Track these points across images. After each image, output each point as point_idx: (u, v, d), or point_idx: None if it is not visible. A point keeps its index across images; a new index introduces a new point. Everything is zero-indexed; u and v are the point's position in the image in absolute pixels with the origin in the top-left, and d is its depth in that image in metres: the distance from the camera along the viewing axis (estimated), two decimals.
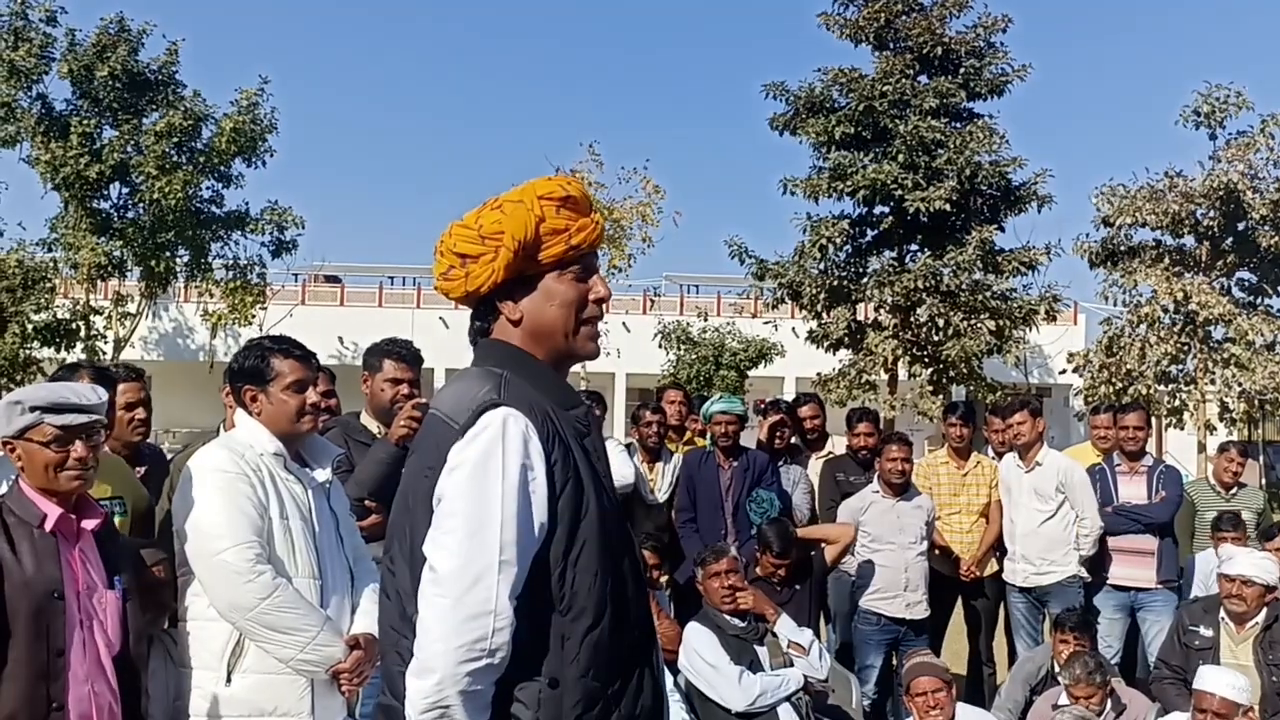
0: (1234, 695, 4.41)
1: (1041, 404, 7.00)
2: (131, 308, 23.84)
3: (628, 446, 6.49)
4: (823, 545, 5.85)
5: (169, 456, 4.62)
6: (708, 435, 6.60)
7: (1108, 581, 6.27)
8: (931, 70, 20.70)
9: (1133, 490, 6.39)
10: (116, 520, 3.59)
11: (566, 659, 1.85)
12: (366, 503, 3.63)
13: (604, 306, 2.07)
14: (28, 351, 21.24)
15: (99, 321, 23.14)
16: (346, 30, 71.68)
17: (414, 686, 1.79)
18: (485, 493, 1.81)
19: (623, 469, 5.95)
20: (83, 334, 22.33)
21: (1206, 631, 5.21)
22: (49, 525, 2.70)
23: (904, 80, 20.12)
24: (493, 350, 2.02)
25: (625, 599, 1.95)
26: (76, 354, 22.55)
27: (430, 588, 1.80)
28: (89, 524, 2.80)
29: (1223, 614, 5.22)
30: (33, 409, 2.72)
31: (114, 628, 2.79)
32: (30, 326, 21.12)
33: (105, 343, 23.15)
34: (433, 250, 2.05)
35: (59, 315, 21.98)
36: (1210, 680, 4.51)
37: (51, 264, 22.07)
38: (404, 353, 4.16)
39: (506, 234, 1.94)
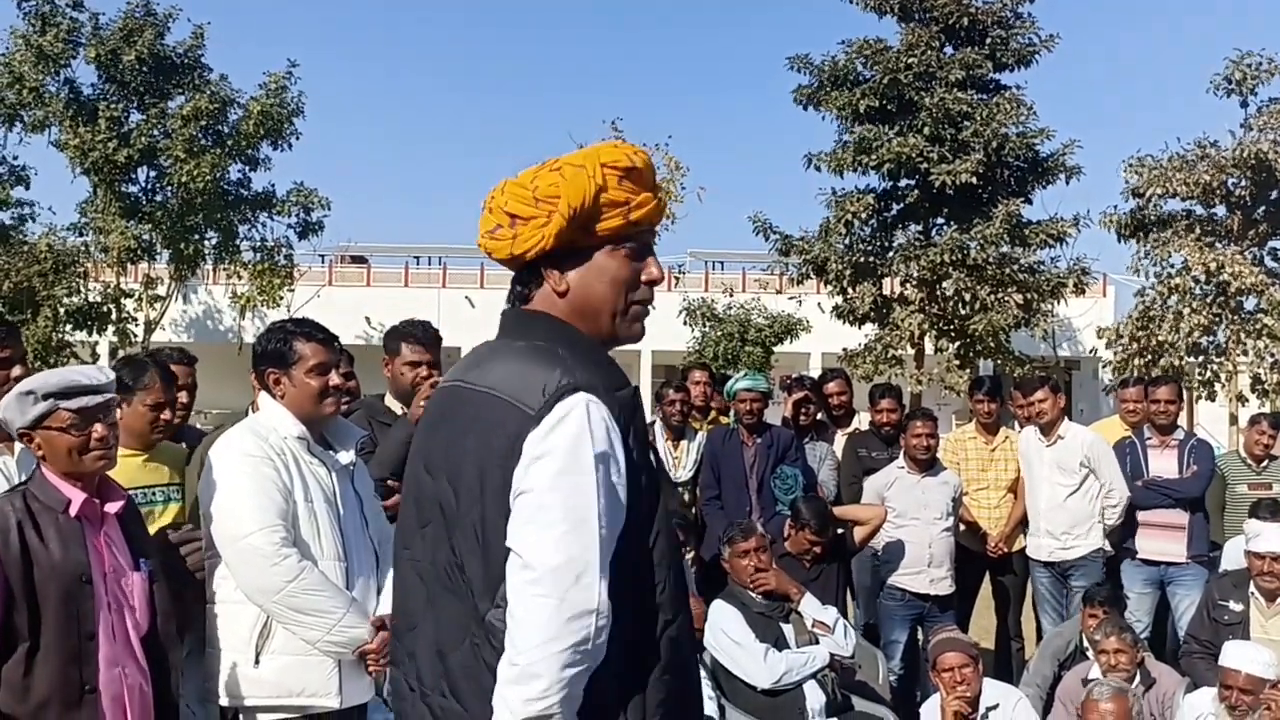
0: (1260, 671, 4.39)
1: (1071, 377, 6.94)
2: (161, 290, 24.02)
3: (651, 425, 6.50)
4: (852, 525, 5.85)
5: (206, 436, 4.68)
6: (731, 412, 6.59)
7: (1138, 556, 6.23)
8: (957, 41, 20.46)
9: (1163, 464, 6.33)
10: (174, 506, 3.65)
11: (649, 657, 1.77)
12: (390, 482, 3.65)
13: (654, 290, 1.94)
14: (60, 335, 21.48)
15: (129, 305, 23.35)
16: (371, 10, 71.66)
17: (516, 693, 1.67)
18: (580, 486, 1.70)
19: None
20: (114, 317, 22.54)
21: (1236, 606, 5.18)
22: (74, 510, 2.72)
23: (929, 52, 19.90)
24: (537, 323, 1.88)
25: (685, 592, 1.89)
26: (108, 337, 22.81)
27: (529, 587, 1.68)
28: (112, 507, 2.82)
29: (1253, 589, 5.18)
30: (46, 396, 2.72)
31: (142, 609, 2.82)
32: (62, 310, 21.35)
33: (136, 326, 23.36)
34: (481, 204, 1.92)
35: (90, 299, 22.20)
36: (1236, 656, 4.49)
37: (82, 248, 22.27)
38: (421, 335, 4.16)
39: (562, 200, 1.81)
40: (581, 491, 1.70)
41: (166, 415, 3.66)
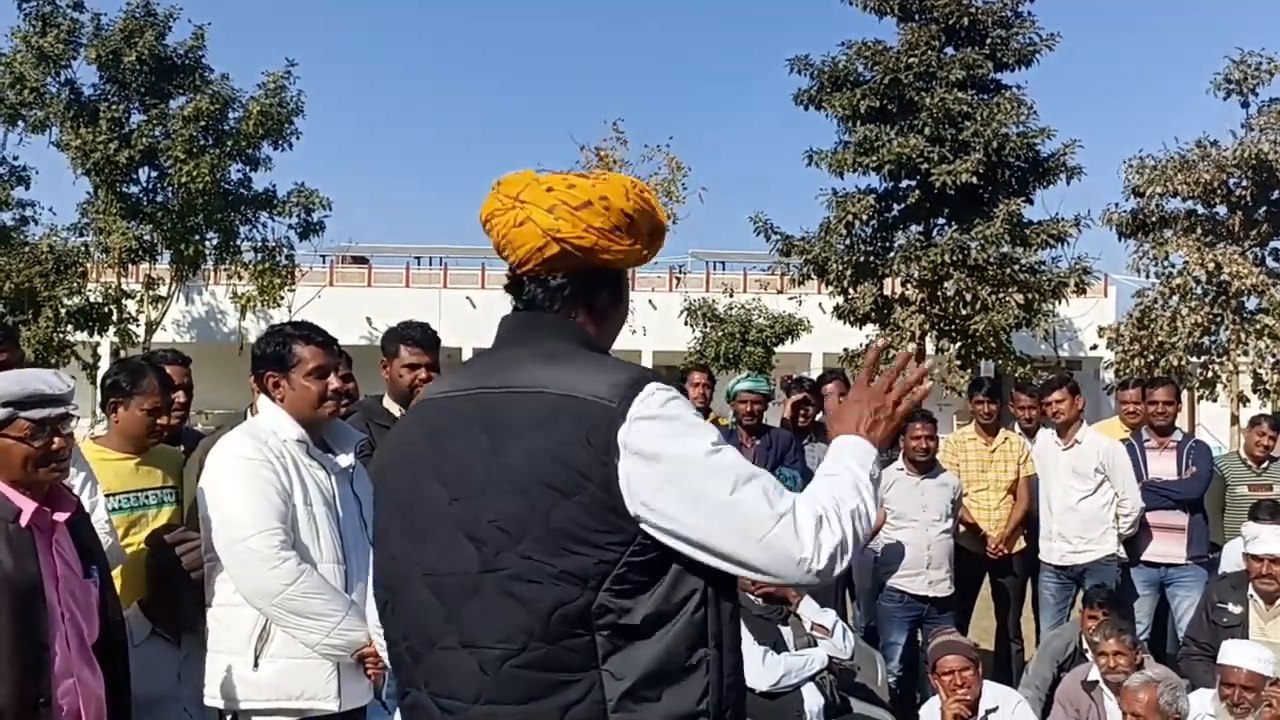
0: (1260, 668, 4.38)
1: (1072, 377, 6.93)
2: (162, 291, 24.06)
3: None
4: None
5: (204, 439, 4.68)
6: (730, 413, 6.59)
7: (1138, 556, 6.23)
8: (958, 41, 20.47)
9: (1162, 466, 6.33)
10: (168, 510, 3.64)
11: (723, 619, 1.76)
12: None
13: None
14: (61, 335, 21.51)
15: (131, 305, 23.37)
16: (371, 10, 71.69)
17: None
18: (706, 430, 1.74)
19: None
20: (115, 318, 22.57)
21: (1235, 608, 5.17)
22: (24, 520, 2.60)
23: (930, 52, 19.91)
24: (568, 328, 1.85)
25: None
26: (109, 338, 22.83)
27: (772, 524, 1.67)
28: (61, 515, 2.70)
29: (1251, 591, 5.18)
30: (5, 404, 2.60)
31: (94, 616, 2.75)
32: (63, 310, 21.38)
33: (137, 326, 23.38)
34: (584, 198, 1.81)
35: (91, 299, 22.22)
36: (1235, 654, 4.48)
37: (83, 248, 22.31)
38: (419, 337, 4.14)
39: (645, 232, 1.88)
40: (710, 433, 1.74)
41: (163, 420, 3.65)
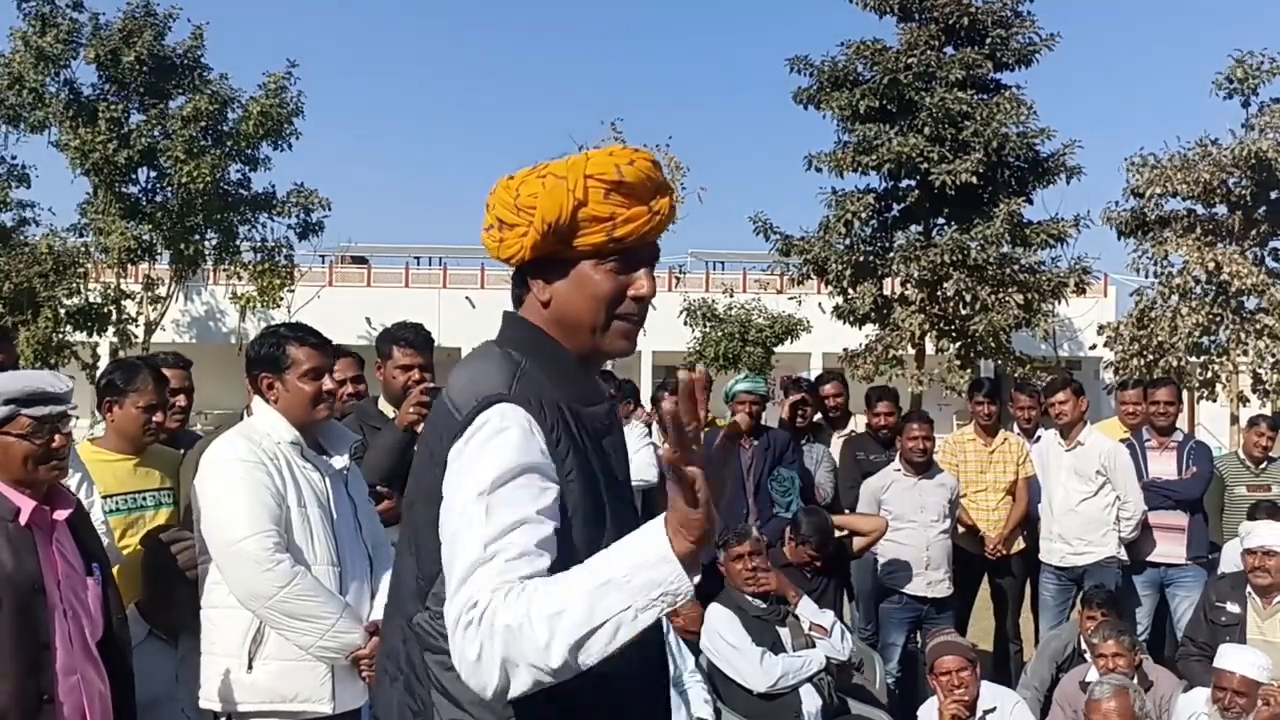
0: (1255, 674, 4.38)
1: (1072, 377, 6.92)
2: (161, 291, 24.05)
3: (649, 428, 6.48)
4: (851, 534, 5.84)
5: (199, 441, 4.67)
6: (729, 415, 6.58)
7: (1139, 559, 6.22)
8: (957, 41, 20.47)
9: (1162, 466, 6.32)
10: (165, 511, 3.63)
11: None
12: (379, 488, 3.64)
13: (646, 305, 1.82)
14: (60, 336, 21.50)
15: (130, 305, 23.36)
16: (371, 10, 71.66)
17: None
18: (474, 499, 1.60)
19: (646, 471, 5.95)
20: (114, 318, 22.56)
21: (1233, 608, 5.17)
22: (24, 519, 2.64)
23: (929, 52, 19.91)
24: (517, 329, 1.84)
25: None
26: (108, 338, 22.82)
27: (454, 588, 1.58)
28: (61, 514, 2.74)
29: (1249, 589, 5.17)
30: (7, 402, 2.64)
31: (96, 615, 2.77)
32: (62, 311, 21.37)
33: (136, 326, 23.37)
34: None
35: (90, 299, 22.22)
36: (1231, 659, 4.48)
37: (82, 249, 22.30)
38: (413, 338, 4.10)
39: (537, 213, 1.72)
40: (480, 497, 1.59)
41: (159, 418, 3.63)
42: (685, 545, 1.43)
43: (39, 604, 2.61)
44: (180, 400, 4.24)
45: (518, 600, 1.47)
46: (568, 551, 1.61)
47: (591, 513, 1.71)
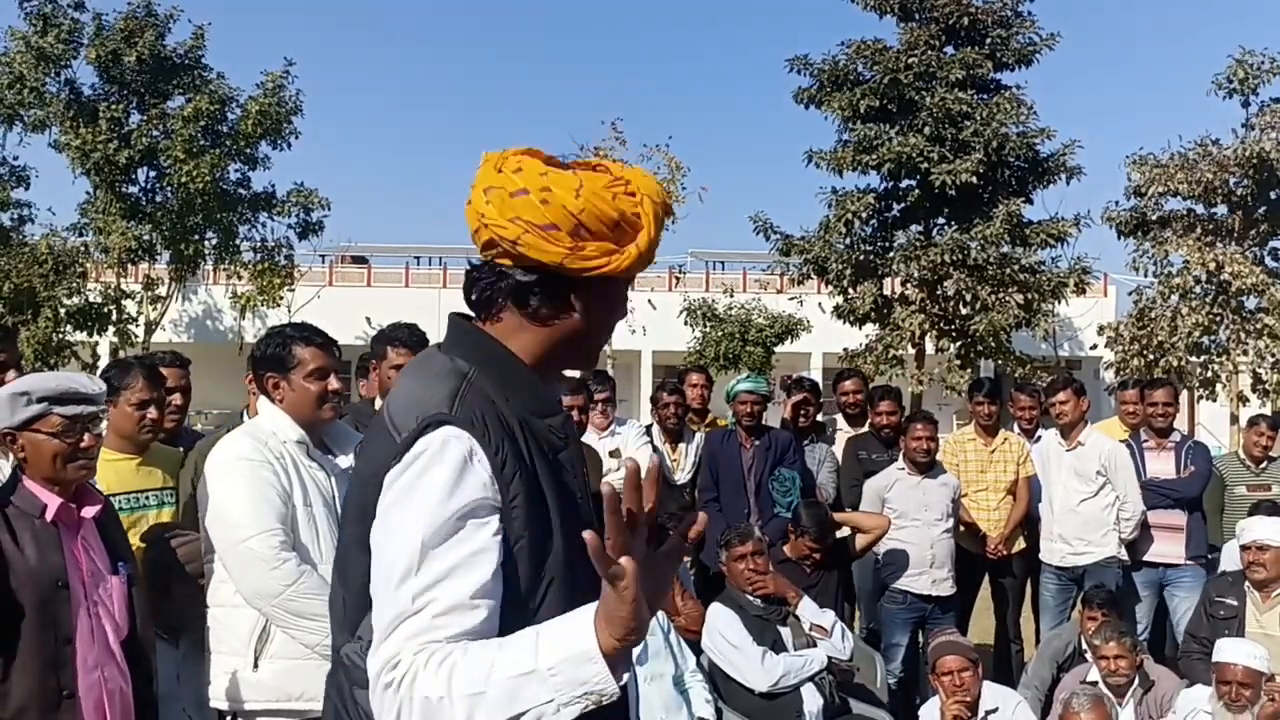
0: (1256, 664, 4.40)
1: (1075, 378, 6.93)
2: (161, 291, 24.03)
3: (648, 429, 6.48)
4: (854, 532, 5.85)
5: (201, 440, 4.67)
6: (730, 414, 6.59)
7: (1138, 558, 6.23)
8: (958, 41, 20.46)
9: (1161, 466, 6.34)
10: (167, 511, 3.65)
11: None
12: None
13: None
14: (60, 336, 21.49)
15: (130, 305, 23.35)
16: (371, 9, 71.67)
17: None
18: (413, 535, 1.49)
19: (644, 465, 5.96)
20: (114, 318, 22.54)
21: (1232, 602, 5.18)
22: (50, 515, 2.70)
23: (929, 52, 19.90)
24: (468, 336, 1.70)
25: None
26: (108, 338, 22.81)
27: (380, 637, 1.50)
28: (89, 512, 2.80)
29: (1247, 585, 5.19)
30: (41, 400, 2.71)
31: (120, 613, 2.81)
32: (62, 311, 21.36)
33: (136, 326, 23.36)
34: (525, 182, 1.63)
35: (91, 299, 22.20)
36: (1230, 651, 4.49)
37: (82, 248, 22.27)
38: (407, 338, 4.09)
39: (644, 233, 1.65)
40: (411, 541, 1.48)
41: (153, 413, 3.62)
42: (611, 643, 1.36)
43: (62, 599, 2.66)
44: (177, 399, 4.24)
45: (438, 670, 1.41)
46: (511, 585, 1.54)
47: (539, 541, 1.59)
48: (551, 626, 1.42)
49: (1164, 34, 74.34)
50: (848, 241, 20.47)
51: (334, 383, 3.24)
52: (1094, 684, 4.84)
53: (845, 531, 5.88)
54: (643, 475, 1.38)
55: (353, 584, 1.62)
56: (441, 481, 1.51)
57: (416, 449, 1.54)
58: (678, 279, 29.11)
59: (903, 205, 20.69)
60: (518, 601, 1.54)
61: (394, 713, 1.42)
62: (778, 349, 24.04)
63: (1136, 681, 4.84)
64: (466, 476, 1.52)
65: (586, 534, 1.33)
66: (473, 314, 1.74)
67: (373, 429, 1.72)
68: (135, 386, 3.57)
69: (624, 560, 1.33)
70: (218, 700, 3.14)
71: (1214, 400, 20.01)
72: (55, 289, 20.94)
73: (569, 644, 1.38)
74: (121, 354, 19.53)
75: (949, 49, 20.43)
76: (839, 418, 7.19)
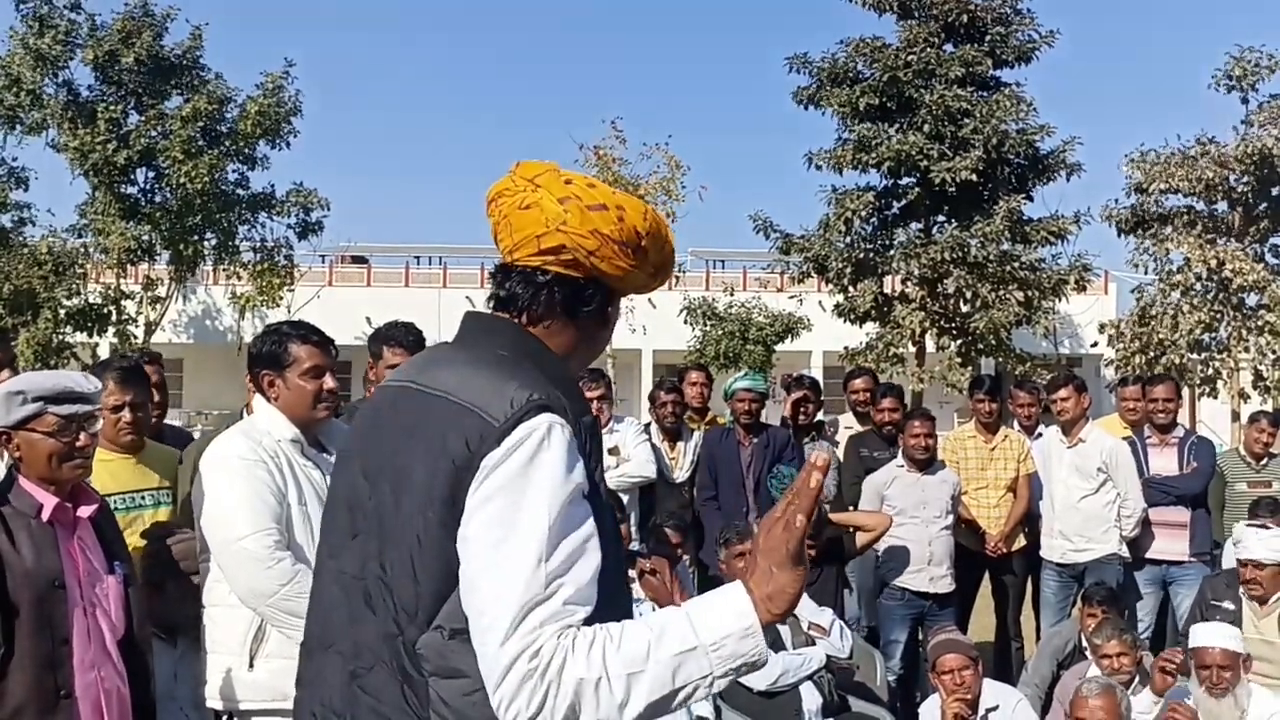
0: (1235, 645, 4.37)
1: (1076, 375, 6.92)
2: (161, 291, 24.03)
3: (647, 427, 6.47)
4: (854, 530, 5.83)
5: (196, 439, 4.65)
6: (728, 412, 6.58)
7: (1141, 556, 6.21)
8: (957, 38, 20.45)
9: (1163, 462, 6.32)
10: (163, 510, 3.64)
11: None
12: None
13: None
14: (60, 337, 21.50)
15: (129, 306, 23.35)
16: (370, 9, 71.66)
17: None
18: (536, 520, 1.50)
19: (645, 468, 5.95)
20: (114, 319, 22.54)
21: (1229, 606, 5.16)
22: (46, 515, 2.70)
23: (929, 49, 19.89)
24: (502, 330, 1.73)
25: None
26: (108, 339, 22.81)
27: (498, 638, 1.47)
28: (85, 511, 2.79)
29: (1243, 592, 5.16)
30: (36, 399, 2.70)
31: (117, 612, 2.80)
32: (62, 312, 21.36)
33: (136, 327, 23.35)
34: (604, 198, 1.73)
35: (90, 300, 22.21)
36: (1206, 636, 4.45)
37: (81, 249, 22.28)
38: (403, 338, 4.08)
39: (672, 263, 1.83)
40: (539, 527, 1.49)
41: (127, 416, 3.58)
42: (768, 617, 1.47)
43: (58, 600, 2.65)
44: (153, 395, 4.19)
45: (589, 653, 1.42)
46: (604, 575, 1.55)
47: (610, 530, 1.64)
48: (701, 605, 1.49)
49: (1163, 32, 74.36)
50: (848, 240, 20.46)
51: (330, 381, 3.22)
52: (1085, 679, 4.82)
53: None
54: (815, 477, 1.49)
55: (431, 570, 1.57)
56: (556, 467, 1.54)
57: (519, 434, 1.55)
58: (677, 278, 29.09)
59: (903, 203, 20.69)
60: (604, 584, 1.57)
61: (539, 701, 1.42)
62: (778, 347, 24.03)
63: (1138, 679, 4.82)
64: (573, 462, 1.56)
65: (816, 478, 1.48)
66: (497, 311, 1.77)
67: (431, 407, 1.64)
68: (106, 390, 3.55)
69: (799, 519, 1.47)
70: (213, 700, 3.13)
71: (1215, 397, 20.01)
72: (55, 290, 20.95)
73: (731, 620, 1.46)
74: (121, 355, 19.51)
75: (948, 46, 20.43)
76: (842, 416, 7.16)
